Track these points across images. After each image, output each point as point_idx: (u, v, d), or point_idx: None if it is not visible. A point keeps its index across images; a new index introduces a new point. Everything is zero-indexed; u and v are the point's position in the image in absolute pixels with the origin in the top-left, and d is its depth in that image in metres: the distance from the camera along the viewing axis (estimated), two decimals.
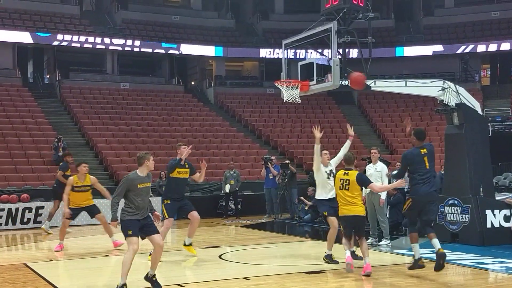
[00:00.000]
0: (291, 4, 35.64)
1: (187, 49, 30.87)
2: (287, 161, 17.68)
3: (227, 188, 17.58)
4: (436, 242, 8.09)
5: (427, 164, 8.15)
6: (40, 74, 30.19)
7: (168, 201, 9.87)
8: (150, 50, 30.15)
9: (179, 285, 7.58)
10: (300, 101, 11.66)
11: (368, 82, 11.32)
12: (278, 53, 29.75)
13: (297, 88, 11.37)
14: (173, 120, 26.19)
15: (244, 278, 8.03)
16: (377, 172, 11.12)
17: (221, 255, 10.23)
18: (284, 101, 11.72)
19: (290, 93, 11.37)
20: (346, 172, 8.62)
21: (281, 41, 12.57)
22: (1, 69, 27.36)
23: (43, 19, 29.19)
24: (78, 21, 30.21)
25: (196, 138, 24.72)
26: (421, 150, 8.25)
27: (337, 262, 8.97)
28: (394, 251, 10.41)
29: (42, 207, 15.85)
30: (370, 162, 14.70)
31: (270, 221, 16.68)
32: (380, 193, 10.88)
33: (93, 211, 11.54)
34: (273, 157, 18.28)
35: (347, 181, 8.49)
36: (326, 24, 11.11)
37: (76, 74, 29.12)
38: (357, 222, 8.57)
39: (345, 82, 11.13)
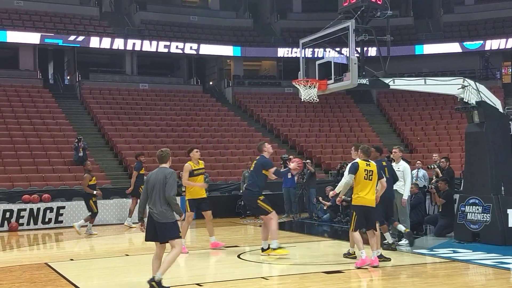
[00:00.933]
0: (309, 3, 35.53)
1: (205, 49, 30.96)
2: (308, 161, 17.61)
3: None
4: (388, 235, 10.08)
5: (387, 173, 9.84)
6: (60, 75, 30.54)
7: (263, 196, 10.08)
8: (168, 50, 30.30)
9: (198, 284, 7.60)
10: (318, 100, 11.60)
11: (387, 81, 11.24)
12: (296, 52, 29.70)
13: (315, 87, 11.32)
14: (192, 120, 26.31)
15: (263, 277, 8.03)
16: (399, 171, 10.87)
17: (240, 254, 10.24)
18: (302, 100, 11.68)
19: (308, 92, 11.32)
20: (368, 163, 8.88)
21: (299, 40, 12.53)
22: (22, 70, 27.75)
23: (63, 20, 29.51)
24: (97, 23, 30.49)
25: (214, 137, 24.79)
26: (383, 162, 10.10)
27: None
28: (414, 251, 10.31)
29: (63, 207, 16.03)
30: (391, 161, 14.62)
31: (288, 221, 16.65)
32: (402, 193, 10.80)
33: (202, 205, 11.05)
34: (291, 157, 18.22)
35: (371, 172, 8.82)
36: (344, 23, 11.04)
37: (96, 75, 29.39)
38: (369, 212, 8.70)
39: (364, 81, 11.06)
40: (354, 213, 8.81)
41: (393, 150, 11.39)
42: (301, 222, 16.35)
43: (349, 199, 14.01)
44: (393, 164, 11.18)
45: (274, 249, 9.83)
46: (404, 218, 11.04)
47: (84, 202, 14.44)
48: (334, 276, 8.17)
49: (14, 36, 26.97)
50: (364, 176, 8.74)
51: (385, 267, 8.89)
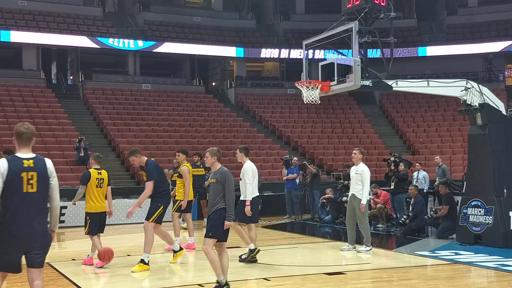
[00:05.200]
0: (312, 5, 35.55)
1: (208, 49, 31.00)
2: (304, 162, 17.64)
3: None
4: None
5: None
6: (63, 75, 30.60)
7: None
8: (171, 51, 30.34)
9: (199, 285, 7.60)
10: (320, 102, 11.60)
11: (390, 82, 11.24)
12: (299, 54, 29.70)
13: (317, 88, 11.32)
14: (194, 121, 26.31)
15: (264, 278, 8.02)
16: (357, 175, 10.41)
17: (242, 255, 10.22)
18: (305, 102, 11.67)
19: (310, 94, 11.32)
20: (99, 171, 9.37)
21: (302, 42, 12.54)
22: (25, 70, 27.81)
23: (66, 20, 29.57)
24: (101, 23, 30.54)
25: (216, 138, 24.79)
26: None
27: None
28: (416, 252, 10.31)
29: (65, 207, 16.02)
30: (392, 163, 14.58)
31: (290, 222, 16.64)
32: (360, 198, 10.32)
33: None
34: (295, 158, 18.22)
35: (102, 180, 9.33)
36: (347, 24, 11.04)
37: (99, 75, 29.44)
38: (103, 216, 9.35)
39: (367, 82, 11.05)
40: (89, 219, 9.15)
41: (353, 152, 10.72)
42: (303, 223, 16.34)
43: (345, 198, 13.94)
44: (353, 167, 10.65)
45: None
46: (362, 225, 10.49)
47: None
48: (336, 278, 8.16)
49: (17, 36, 27.04)
50: (96, 184, 9.17)
51: (386, 268, 8.89)
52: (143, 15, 32.36)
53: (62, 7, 30.09)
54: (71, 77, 31.32)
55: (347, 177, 15.02)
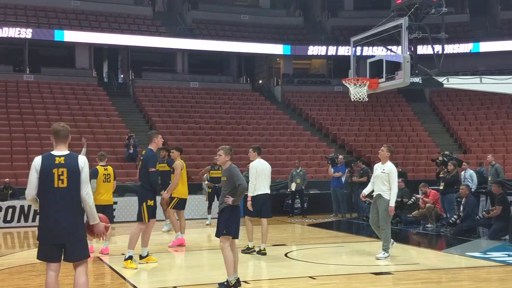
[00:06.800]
0: (361, 1, 35.13)
1: (255, 47, 31.07)
2: (359, 161, 17.46)
3: (293, 186, 17.56)
4: None
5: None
6: (114, 73, 31.33)
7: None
8: (219, 49, 30.59)
9: (245, 281, 7.63)
10: (367, 99, 11.45)
11: (441, 79, 11.00)
12: (347, 51, 29.39)
13: (365, 85, 11.19)
14: (241, 119, 26.45)
15: (310, 277, 7.98)
16: (384, 174, 9.51)
17: (287, 253, 10.22)
18: (352, 100, 11.55)
19: (358, 91, 11.21)
20: (105, 167, 10.45)
21: (350, 38, 12.42)
22: (78, 69, 28.61)
23: (117, 20, 30.25)
24: (150, 22, 31.09)
25: (263, 136, 24.84)
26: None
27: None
28: (467, 253, 10.04)
29: (116, 203, 16.34)
30: (440, 164, 14.22)
31: (336, 220, 16.51)
32: (387, 198, 9.45)
33: None
34: (340, 156, 18.05)
35: (109, 175, 10.44)
36: (397, 20, 10.89)
37: (148, 74, 29.98)
38: (109, 208, 10.15)
39: (416, 79, 10.85)
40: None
41: (381, 149, 9.84)
42: (349, 222, 16.19)
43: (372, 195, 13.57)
44: (379, 164, 9.80)
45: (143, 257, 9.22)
46: (384, 225, 9.61)
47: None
48: (383, 278, 8.05)
49: (71, 36, 27.81)
50: (103, 179, 10.06)
51: (435, 269, 8.70)
52: (192, 13, 32.73)
53: (113, 6, 30.80)
54: (122, 76, 32.02)
55: None
